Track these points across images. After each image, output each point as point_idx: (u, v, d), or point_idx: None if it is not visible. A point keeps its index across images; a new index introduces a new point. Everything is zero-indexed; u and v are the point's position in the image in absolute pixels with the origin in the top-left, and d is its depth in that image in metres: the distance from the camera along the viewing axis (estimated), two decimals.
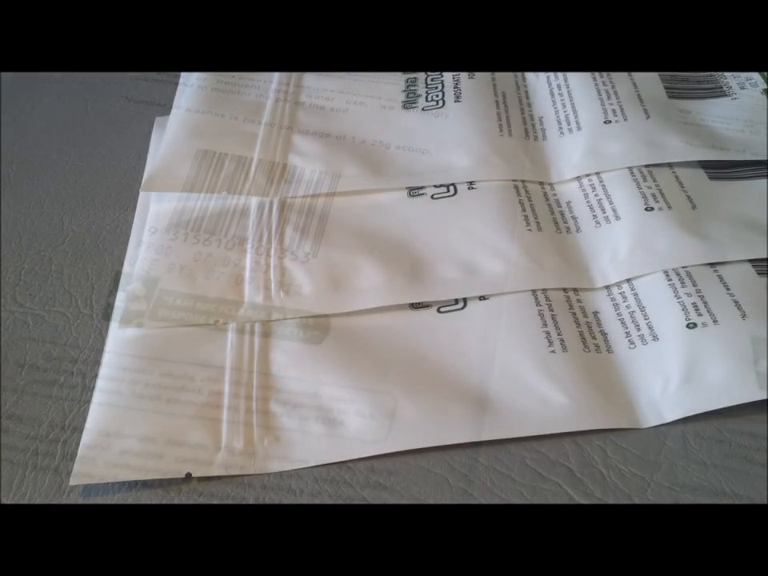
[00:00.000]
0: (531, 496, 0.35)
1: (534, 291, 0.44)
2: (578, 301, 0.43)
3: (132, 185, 0.55)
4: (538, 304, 0.43)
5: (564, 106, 0.56)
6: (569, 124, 0.55)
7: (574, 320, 0.42)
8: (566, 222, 0.48)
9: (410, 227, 0.48)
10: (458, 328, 0.43)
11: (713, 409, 0.37)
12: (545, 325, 0.42)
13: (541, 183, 0.50)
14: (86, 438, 0.38)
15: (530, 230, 0.47)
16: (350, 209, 0.50)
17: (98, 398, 0.40)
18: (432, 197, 0.50)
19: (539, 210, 0.48)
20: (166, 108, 0.60)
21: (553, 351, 0.41)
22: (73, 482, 0.37)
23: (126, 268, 0.48)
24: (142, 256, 0.48)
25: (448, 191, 0.50)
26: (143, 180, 0.52)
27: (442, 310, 0.44)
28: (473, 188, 0.50)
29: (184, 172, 0.52)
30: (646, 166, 0.50)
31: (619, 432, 0.38)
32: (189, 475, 0.37)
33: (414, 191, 0.50)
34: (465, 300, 0.44)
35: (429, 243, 0.47)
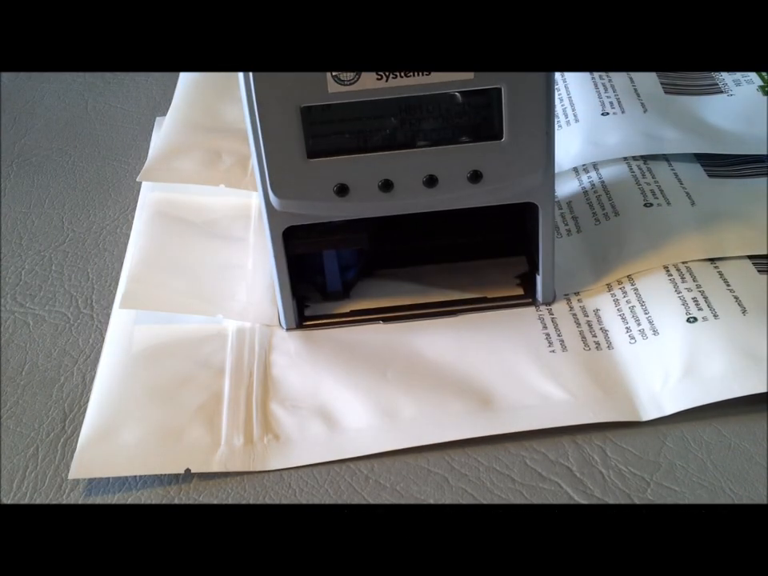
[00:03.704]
0: (531, 496, 0.35)
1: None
2: (579, 300, 0.43)
3: (132, 185, 0.55)
4: (538, 309, 0.43)
5: (561, 99, 0.56)
6: (566, 117, 0.55)
7: (574, 320, 0.42)
8: (566, 225, 0.48)
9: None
10: (457, 328, 0.43)
11: (713, 401, 0.37)
12: (545, 327, 0.42)
13: None
14: (86, 432, 0.38)
15: None
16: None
17: (97, 393, 0.40)
18: None
19: None
20: (165, 108, 0.60)
21: (552, 351, 0.41)
22: (72, 475, 0.37)
23: (128, 253, 0.48)
24: (141, 243, 0.48)
25: None
26: (142, 170, 0.53)
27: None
28: None
29: (182, 164, 0.53)
30: (645, 162, 0.50)
31: (619, 432, 0.38)
32: (188, 471, 0.37)
33: None
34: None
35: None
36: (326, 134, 0.38)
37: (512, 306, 0.43)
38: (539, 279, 0.43)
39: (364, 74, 0.37)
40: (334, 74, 0.36)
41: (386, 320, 0.43)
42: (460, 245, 0.46)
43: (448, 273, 0.45)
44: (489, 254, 0.46)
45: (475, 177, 0.39)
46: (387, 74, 0.37)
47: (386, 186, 0.39)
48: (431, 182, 0.39)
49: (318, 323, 0.44)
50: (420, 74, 0.37)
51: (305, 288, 0.45)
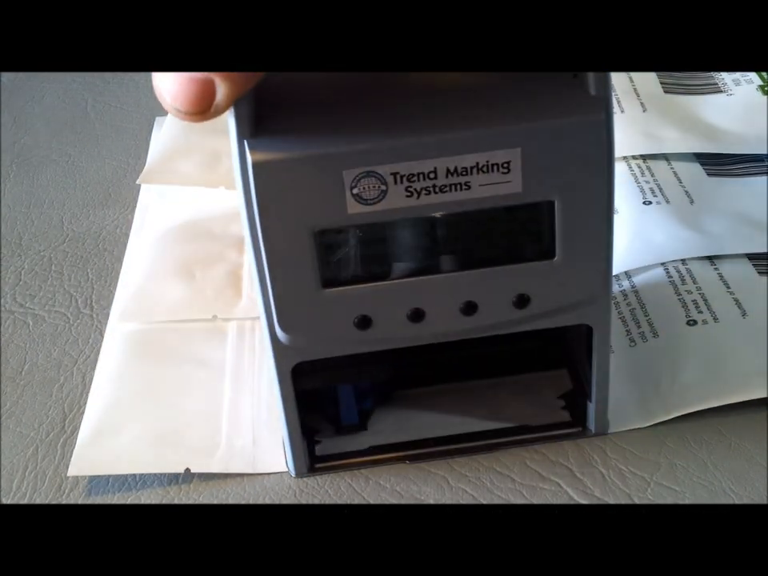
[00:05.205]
0: (531, 496, 0.35)
1: None
2: None
3: (132, 185, 0.54)
4: None
5: None
6: None
7: None
8: None
9: None
10: None
11: (713, 406, 0.37)
12: None
13: None
14: (85, 429, 0.38)
15: None
16: None
17: (97, 391, 0.40)
18: None
19: None
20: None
21: None
22: (71, 472, 0.37)
23: (125, 264, 0.48)
24: (140, 252, 0.48)
25: None
26: (142, 172, 0.53)
27: None
28: None
29: (182, 167, 0.53)
30: (644, 160, 0.50)
31: (619, 432, 0.37)
32: (188, 471, 0.37)
33: None
34: None
35: None
36: (343, 259, 0.32)
37: (559, 438, 0.38)
38: (591, 407, 0.37)
39: (390, 191, 0.30)
40: (354, 192, 0.30)
41: (411, 459, 0.37)
42: (488, 357, 0.39)
43: (477, 392, 0.39)
44: (523, 367, 0.40)
45: (521, 301, 0.33)
46: (418, 190, 0.30)
47: (416, 316, 0.33)
48: (469, 309, 0.33)
49: (332, 465, 0.37)
50: (457, 189, 0.31)
51: (313, 420, 0.38)
